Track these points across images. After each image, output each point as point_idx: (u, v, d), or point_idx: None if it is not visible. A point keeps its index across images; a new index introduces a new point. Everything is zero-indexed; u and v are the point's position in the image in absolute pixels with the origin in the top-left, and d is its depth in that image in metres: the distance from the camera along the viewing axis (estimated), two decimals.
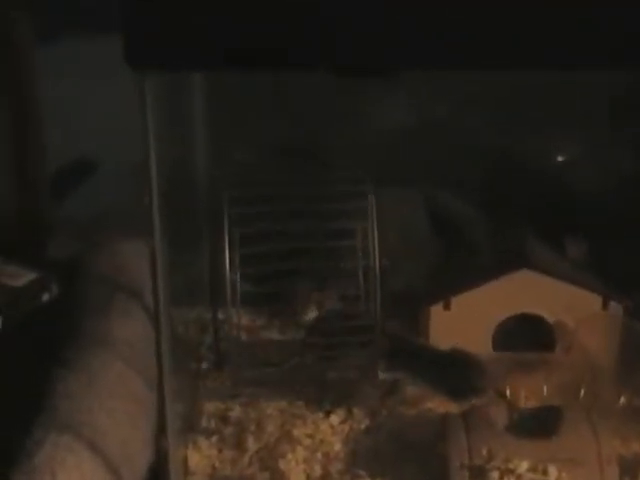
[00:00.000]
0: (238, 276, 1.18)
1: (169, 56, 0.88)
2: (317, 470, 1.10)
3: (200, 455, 1.13)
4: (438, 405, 1.18)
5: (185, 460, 1.12)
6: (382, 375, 1.22)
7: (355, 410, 1.18)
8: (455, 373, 1.20)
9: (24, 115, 1.35)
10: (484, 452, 1.04)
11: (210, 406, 1.20)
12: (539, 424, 1.08)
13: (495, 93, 1.41)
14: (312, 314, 1.29)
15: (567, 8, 0.86)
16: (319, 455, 1.12)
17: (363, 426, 1.16)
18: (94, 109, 1.40)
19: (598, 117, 1.44)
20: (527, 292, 1.22)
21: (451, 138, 1.48)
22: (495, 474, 1.02)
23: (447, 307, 1.22)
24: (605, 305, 1.22)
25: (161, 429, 1.05)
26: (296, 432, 1.14)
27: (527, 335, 1.23)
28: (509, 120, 1.46)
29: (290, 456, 1.11)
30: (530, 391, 1.18)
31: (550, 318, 1.23)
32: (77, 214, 1.43)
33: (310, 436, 1.14)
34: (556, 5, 0.86)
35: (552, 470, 1.03)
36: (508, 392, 1.18)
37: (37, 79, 1.36)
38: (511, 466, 1.03)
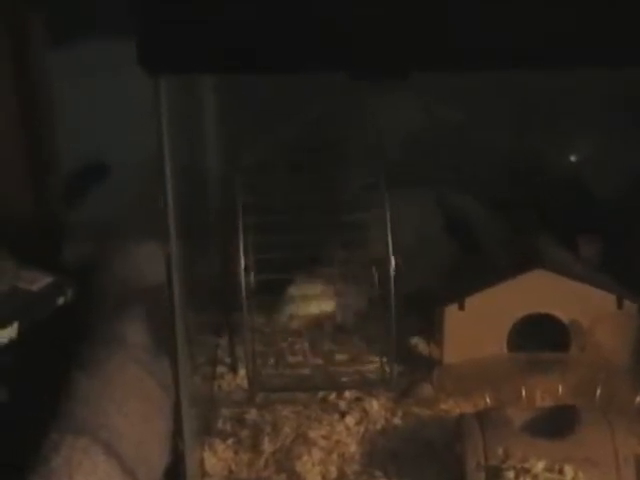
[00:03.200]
0: (252, 278, 1.18)
1: (183, 58, 0.89)
2: (333, 471, 1.10)
3: (216, 457, 1.13)
4: (453, 406, 1.18)
5: (201, 462, 1.12)
6: None
7: (370, 411, 1.18)
8: None
9: (38, 117, 1.35)
10: (500, 452, 1.04)
11: (226, 409, 1.20)
12: (555, 424, 1.07)
13: (510, 93, 1.41)
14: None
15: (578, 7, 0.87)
16: (335, 456, 1.12)
17: (379, 427, 1.16)
18: (109, 112, 1.40)
19: (614, 116, 1.44)
20: (542, 292, 1.22)
21: (465, 138, 1.48)
22: (511, 474, 1.02)
23: (461, 307, 1.22)
24: (620, 304, 1.22)
25: (177, 432, 1.05)
26: (312, 434, 1.14)
27: (542, 335, 1.23)
28: (523, 119, 1.46)
29: (306, 457, 1.11)
30: (545, 391, 1.18)
31: (565, 318, 1.23)
32: (92, 217, 1.44)
33: (326, 437, 1.14)
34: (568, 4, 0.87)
35: (568, 470, 1.02)
36: (523, 392, 1.17)
37: (50, 81, 1.36)
38: (527, 466, 1.02)
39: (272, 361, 1.27)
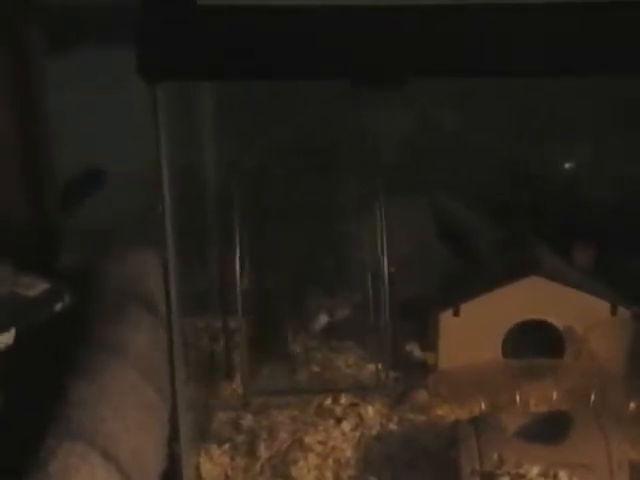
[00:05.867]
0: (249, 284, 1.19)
1: (180, 66, 0.89)
2: (329, 477, 1.11)
3: (212, 463, 1.14)
4: (448, 412, 1.19)
5: (197, 468, 1.12)
6: None
7: (366, 417, 1.18)
8: None
9: (35, 125, 1.35)
10: (495, 457, 1.04)
11: (222, 414, 1.20)
12: (549, 429, 1.08)
13: (504, 100, 1.41)
14: (323, 321, 1.30)
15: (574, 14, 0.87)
16: (331, 462, 1.12)
17: (374, 432, 1.16)
18: (105, 119, 1.41)
19: (608, 123, 1.44)
20: (536, 299, 1.22)
21: (460, 146, 1.48)
22: (506, 479, 1.03)
23: (456, 314, 1.22)
24: (614, 311, 1.22)
25: (174, 437, 1.06)
26: (308, 439, 1.14)
27: (536, 341, 1.23)
28: (518, 127, 1.47)
29: (302, 463, 1.12)
30: (540, 397, 1.18)
31: (559, 324, 1.23)
32: (89, 224, 1.44)
33: (322, 443, 1.14)
34: (565, 11, 0.87)
35: (563, 475, 1.03)
36: (518, 398, 1.18)
37: (47, 89, 1.36)
38: (522, 471, 1.03)
39: (268, 367, 1.27)
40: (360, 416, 1.18)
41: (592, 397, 1.17)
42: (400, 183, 1.36)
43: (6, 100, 1.32)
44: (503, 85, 1.30)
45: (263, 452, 1.14)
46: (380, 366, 1.22)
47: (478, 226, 1.44)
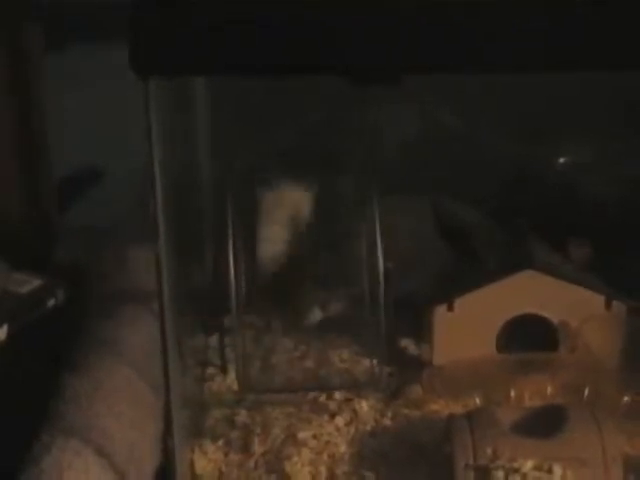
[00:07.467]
0: (243, 280, 1.19)
1: (174, 61, 0.89)
2: (323, 472, 1.11)
3: (206, 459, 1.13)
4: (443, 407, 1.19)
5: (191, 464, 1.12)
6: None
7: (360, 412, 1.18)
8: None
9: (32, 122, 1.36)
10: (489, 452, 1.04)
11: (216, 410, 1.20)
12: (544, 423, 1.08)
13: (503, 100, 1.41)
14: (317, 316, 1.30)
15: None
16: (325, 457, 1.12)
17: (368, 428, 1.16)
18: (104, 118, 1.41)
19: (605, 123, 1.44)
20: (531, 293, 1.22)
21: (458, 144, 1.48)
22: (500, 473, 1.02)
23: (451, 308, 1.22)
24: (608, 305, 1.22)
25: (167, 433, 1.06)
26: (302, 434, 1.14)
27: (531, 336, 1.23)
28: (514, 124, 1.47)
29: (296, 458, 1.11)
30: (534, 391, 1.18)
31: (554, 319, 1.23)
32: (84, 221, 1.44)
33: (316, 438, 1.14)
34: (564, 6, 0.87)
35: (557, 469, 1.03)
36: (512, 392, 1.18)
37: (46, 89, 1.37)
38: (516, 465, 1.03)
39: (262, 363, 1.27)
40: (354, 411, 1.18)
41: (586, 391, 1.17)
42: (399, 181, 1.36)
43: (5, 99, 1.32)
44: (501, 83, 1.30)
45: (257, 448, 1.14)
46: (375, 361, 1.22)
47: (477, 223, 1.44)
